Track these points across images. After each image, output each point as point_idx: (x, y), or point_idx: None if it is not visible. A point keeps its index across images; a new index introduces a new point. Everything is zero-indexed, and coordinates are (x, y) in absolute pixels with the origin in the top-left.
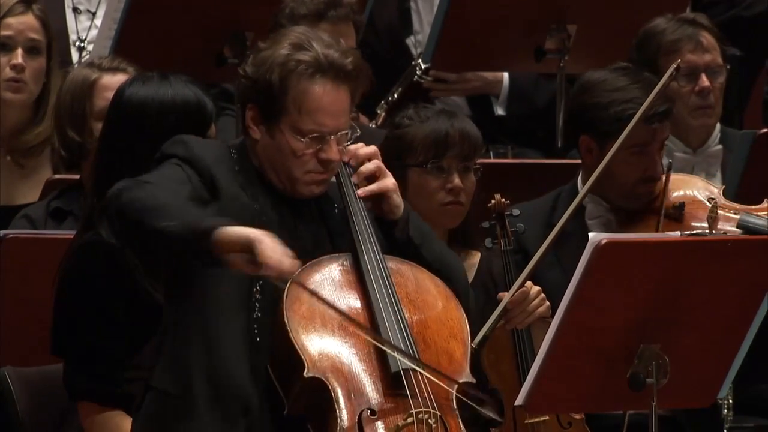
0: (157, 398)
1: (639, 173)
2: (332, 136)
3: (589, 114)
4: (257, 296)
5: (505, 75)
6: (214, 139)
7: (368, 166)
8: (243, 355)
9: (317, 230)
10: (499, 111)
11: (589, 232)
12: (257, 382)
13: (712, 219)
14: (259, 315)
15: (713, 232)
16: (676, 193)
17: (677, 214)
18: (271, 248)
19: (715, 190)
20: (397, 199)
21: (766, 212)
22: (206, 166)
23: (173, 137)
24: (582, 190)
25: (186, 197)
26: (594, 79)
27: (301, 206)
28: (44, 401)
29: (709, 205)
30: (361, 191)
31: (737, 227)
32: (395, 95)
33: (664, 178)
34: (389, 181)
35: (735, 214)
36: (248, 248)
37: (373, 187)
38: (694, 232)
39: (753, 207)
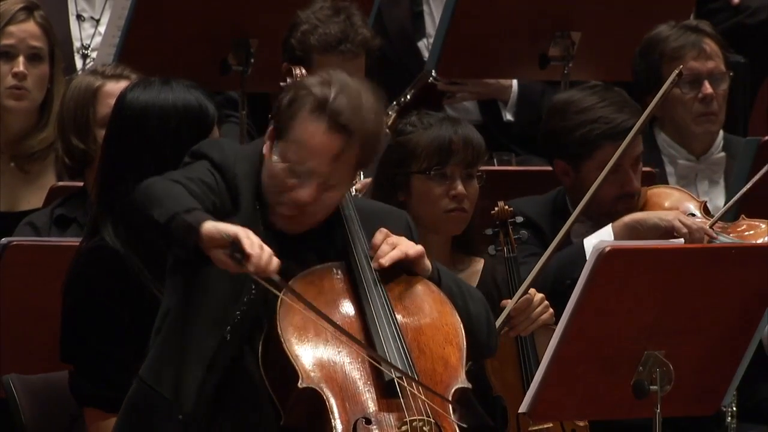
0: (141, 389)
1: (616, 191)
2: (309, 177)
3: (558, 138)
4: (236, 319)
5: (514, 81)
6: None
7: (387, 251)
8: (197, 372)
9: (319, 245)
10: (508, 116)
11: None
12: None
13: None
14: (228, 338)
15: None
16: (657, 206)
17: None
18: (253, 243)
19: (694, 205)
20: (425, 263)
21: (742, 229)
22: (234, 178)
23: (212, 139)
24: (570, 218)
25: (201, 197)
26: (562, 101)
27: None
28: (48, 409)
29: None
30: (383, 260)
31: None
32: (407, 97)
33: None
34: (410, 249)
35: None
36: (231, 243)
37: (394, 252)
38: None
39: (729, 224)
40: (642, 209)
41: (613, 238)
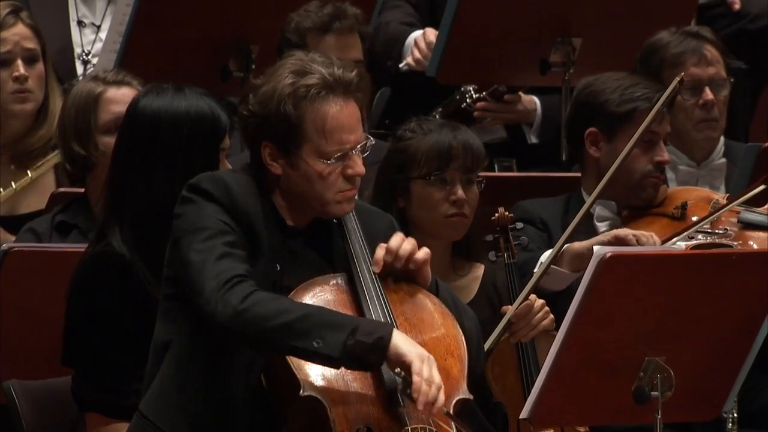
0: (143, 426)
1: (648, 162)
2: (354, 151)
3: (597, 100)
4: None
5: (537, 102)
6: (228, 151)
7: (405, 247)
8: (245, 413)
9: (322, 263)
10: (533, 139)
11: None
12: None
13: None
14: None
15: (716, 230)
16: (681, 198)
17: (680, 214)
18: (423, 381)
19: (719, 197)
20: (427, 270)
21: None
22: (248, 219)
23: (210, 173)
24: (597, 188)
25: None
26: (594, 78)
27: (311, 240)
28: (49, 414)
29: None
30: (401, 251)
31: (738, 222)
32: (436, 116)
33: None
34: (420, 255)
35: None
36: (403, 379)
37: (407, 245)
38: (698, 243)
39: (755, 209)
40: (662, 204)
41: (563, 259)
